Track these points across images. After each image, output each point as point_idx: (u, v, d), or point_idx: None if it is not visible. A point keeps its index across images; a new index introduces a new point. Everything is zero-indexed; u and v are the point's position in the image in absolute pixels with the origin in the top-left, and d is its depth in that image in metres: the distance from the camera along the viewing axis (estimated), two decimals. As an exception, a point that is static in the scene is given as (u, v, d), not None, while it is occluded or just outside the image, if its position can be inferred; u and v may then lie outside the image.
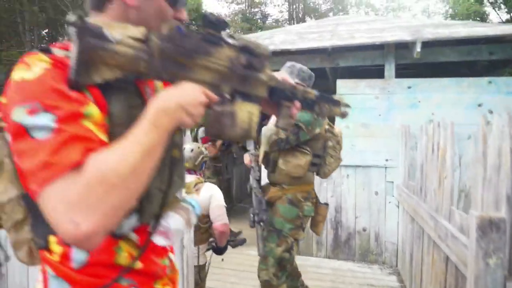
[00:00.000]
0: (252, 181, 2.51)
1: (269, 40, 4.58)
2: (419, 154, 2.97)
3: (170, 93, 0.70)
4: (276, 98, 0.93)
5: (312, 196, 2.52)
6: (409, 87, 3.82)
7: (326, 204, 2.63)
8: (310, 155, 2.40)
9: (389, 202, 3.93)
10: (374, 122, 3.87)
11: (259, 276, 2.45)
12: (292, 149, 2.37)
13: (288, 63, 2.41)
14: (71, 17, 0.60)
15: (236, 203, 6.72)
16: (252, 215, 2.35)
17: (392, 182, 3.90)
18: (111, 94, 0.70)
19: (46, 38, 21.56)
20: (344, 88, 3.93)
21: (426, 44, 3.66)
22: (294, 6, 24.88)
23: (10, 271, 1.97)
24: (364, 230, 4.02)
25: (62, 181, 0.57)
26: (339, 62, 4.11)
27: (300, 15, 24.76)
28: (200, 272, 2.59)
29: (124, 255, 0.76)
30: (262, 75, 0.85)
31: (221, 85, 0.79)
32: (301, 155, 2.38)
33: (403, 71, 4.73)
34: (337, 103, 1.07)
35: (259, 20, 23.94)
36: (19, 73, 0.62)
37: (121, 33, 0.65)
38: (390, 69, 3.89)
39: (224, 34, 0.78)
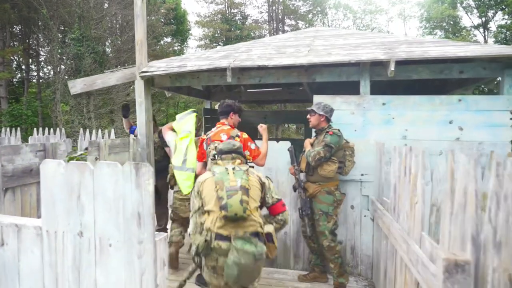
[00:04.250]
0: (298, 186, 3.66)
1: (247, 54, 4.57)
2: (392, 174, 3.03)
3: None
4: None
5: (339, 188, 3.66)
6: (383, 104, 3.90)
7: (344, 194, 3.74)
8: (337, 163, 3.54)
9: (364, 216, 4.00)
10: (350, 137, 3.92)
11: (323, 244, 3.57)
12: (326, 160, 3.51)
13: (316, 101, 3.73)
14: None
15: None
16: (300, 210, 3.61)
17: (367, 196, 3.97)
18: None
19: (19, 36, 20.83)
20: (321, 103, 3.97)
21: (400, 62, 3.75)
22: (274, 7, 24.96)
23: None
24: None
25: None
26: (316, 77, 4.15)
27: (280, 17, 24.86)
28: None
29: None
30: None
31: None
32: (332, 163, 3.52)
33: (380, 84, 4.81)
34: None
35: (238, 21, 23.88)
36: None
37: None
38: (365, 86, 3.96)
39: None
